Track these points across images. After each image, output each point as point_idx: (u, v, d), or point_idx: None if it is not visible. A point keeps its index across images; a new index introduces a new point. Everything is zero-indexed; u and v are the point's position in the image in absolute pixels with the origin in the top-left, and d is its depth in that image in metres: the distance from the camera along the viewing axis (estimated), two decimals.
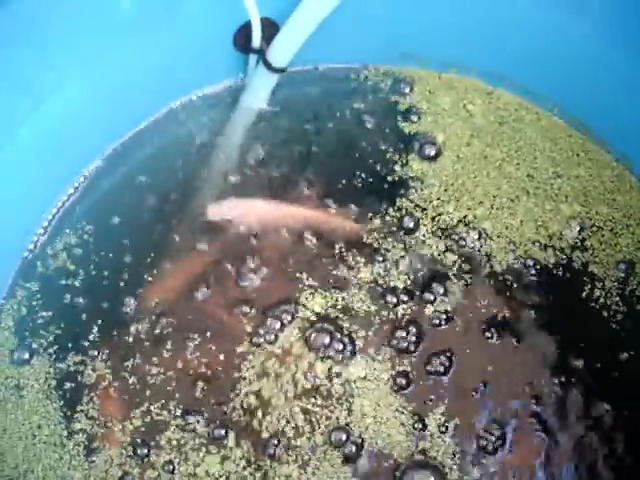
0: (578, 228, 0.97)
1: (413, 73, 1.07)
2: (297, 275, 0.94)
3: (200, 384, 0.88)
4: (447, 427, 0.86)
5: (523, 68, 1.02)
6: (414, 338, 0.90)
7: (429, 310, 0.92)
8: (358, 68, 1.07)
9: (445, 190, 0.99)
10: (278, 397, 0.87)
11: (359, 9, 0.97)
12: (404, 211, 0.97)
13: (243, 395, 0.88)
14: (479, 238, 0.96)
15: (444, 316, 0.92)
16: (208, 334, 0.91)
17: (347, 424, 0.86)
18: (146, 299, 0.93)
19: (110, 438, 0.86)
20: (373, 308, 0.92)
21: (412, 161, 1.01)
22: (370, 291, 0.93)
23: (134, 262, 0.95)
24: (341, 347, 0.89)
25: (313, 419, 0.87)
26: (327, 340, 0.89)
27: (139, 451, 0.85)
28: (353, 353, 0.89)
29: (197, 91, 1.05)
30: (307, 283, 0.93)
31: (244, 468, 0.85)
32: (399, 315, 0.92)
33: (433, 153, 1.01)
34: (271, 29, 0.95)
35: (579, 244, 0.96)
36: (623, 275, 0.95)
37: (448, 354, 0.90)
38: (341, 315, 0.91)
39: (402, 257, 0.95)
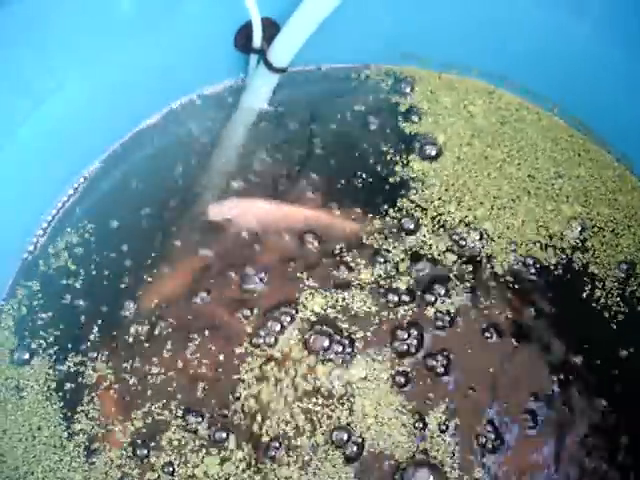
0: (579, 228, 0.97)
1: (414, 73, 1.07)
2: (297, 275, 0.93)
3: (201, 385, 0.88)
4: (447, 426, 0.86)
5: (524, 68, 1.02)
6: (415, 339, 0.90)
7: (430, 311, 0.92)
8: (359, 68, 1.07)
9: (446, 190, 0.99)
10: (279, 399, 0.87)
11: (360, 9, 0.97)
12: (405, 212, 0.97)
13: (243, 398, 0.87)
14: (480, 238, 0.96)
15: (445, 317, 0.92)
16: (208, 335, 0.90)
17: (348, 424, 0.86)
18: (146, 300, 0.93)
19: (110, 439, 0.86)
20: (374, 309, 0.92)
21: (413, 161, 1.01)
22: (371, 292, 0.93)
23: (134, 263, 0.95)
24: (341, 349, 0.89)
25: (314, 418, 0.86)
26: (326, 343, 0.89)
27: (139, 452, 0.85)
28: (353, 354, 0.89)
29: (198, 91, 1.05)
30: (307, 284, 0.93)
31: (243, 471, 0.85)
32: (400, 316, 0.92)
33: (434, 153, 1.01)
34: (272, 29, 0.95)
35: (580, 244, 0.96)
36: (624, 276, 0.95)
37: (448, 354, 0.90)
38: (341, 316, 0.91)
39: (403, 258, 0.95)
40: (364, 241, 0.96)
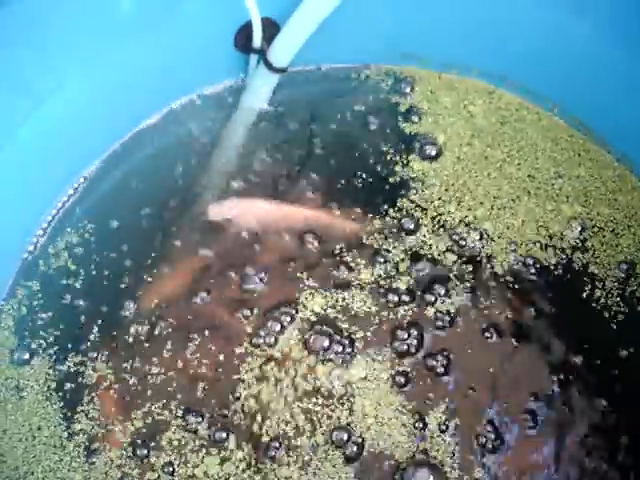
0: (579, 228, 0.97)
1: (414, 73, 1.07)
2: (297, 275, 0.93)
3: (201, 385, 0.88)
4: (447, 426, 0.86)
5: (524, 68, 1.02)
6: (415, 339, 0.90)
7: (430, 311, 0.92)
8: (359, 68, 1.07)
9: (446, 190, 0.99)
10: (279, 399, 0.87)
11: (360, 9, 0.97)
12: (405, 212, 0.97)
13: (243, 398, 0.87)
14: (480, 238, 0.96)
15: (445, 317, 0.91)
16: (208, 335, 0.90)
17: (348, 424, 0.86)
18: (146, 300, 0.93)
19: (110, 439, 0.86)
20: (374, 309, 0.92)
21: (413, 161, 1.01)
22: (371, 292, 0.93)
23: (134, 263, 0.95)
24: (341, 349, 0.89)
25: (314, 418, 0.86)
26: (326, 343, 0.89)
27: (139, 452, 0.85)
28: (353, 354, 0.89)
29: (198, 91, 1.04)
30: (307, 284, 0.93)
31: (243, 471, 0.84)
32: (400, 316, 0.91)
33: (434, 153, 1.01)
34: (272, 29, 0.95)
35: (580, 244, 0.96)
36: (624, 276, 0.95)
37: (448, 354, 0.90)
38: (341, 316, 0.91)
39: (403, 258, 0.95)
40: (364, 241, 0.96)
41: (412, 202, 0.98)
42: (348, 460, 0.85)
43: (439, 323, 0.91)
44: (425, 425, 0.86)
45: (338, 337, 0.90)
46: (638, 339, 0.91)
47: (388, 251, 0.95)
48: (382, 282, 0.93)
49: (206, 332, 0.90)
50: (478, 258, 0.95)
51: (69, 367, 0.89)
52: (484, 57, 1.04)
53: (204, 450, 0.85)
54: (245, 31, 0.96)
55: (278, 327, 0.90)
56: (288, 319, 0.91)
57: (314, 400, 0.87)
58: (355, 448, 0.85)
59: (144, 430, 0.86)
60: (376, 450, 0.85)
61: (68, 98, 0.91)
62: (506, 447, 0.86)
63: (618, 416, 0.88)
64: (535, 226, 0.97)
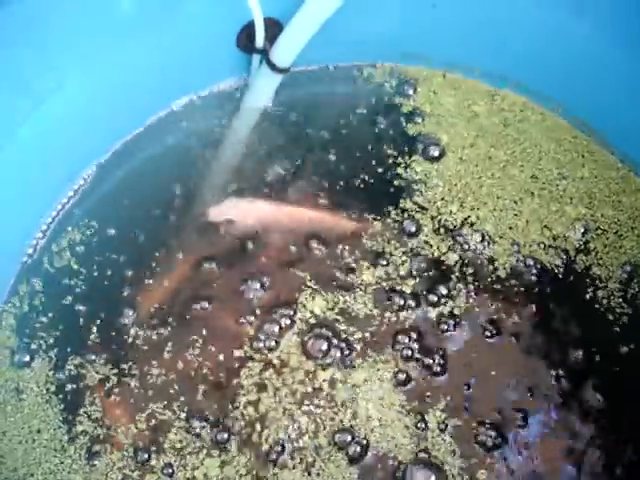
0: (582, 230, 0.97)
1: (417, 74, 1.06)
2: (298, 277, 0.93)
3: (202, 388, 0.88)
4: (448, 426, 0.86)
5: (524, 68, 1.02)
6: (416, 340, 0.90)
7: (431, 312, 0.92)
8: (361, 68, 1.07)
9: (449, 191, 0.99)
10: (280, 402, 0.87)
11: (362, 10, 0.97)
12: (407, 213, 0.97)
13: (245, 401, 0.87)
14: (482, 239, 0.96)
15: (446, 318, 0.91)
16: (208, 337, 0.90)
17: (351, 426, 0.86)
18: (146, 301, 0.92)
19: (112, 441, 0.86)
20: (375, 311, 0.92)
21: (416, 162, 1.00)
22: (373, 294, 0.92)
23: (135, 265, 0.94)
24: (343, 351, 0.89)
25: (317, 420, 0.86)
26: (325, 346, 0.89)
27: (140, 455, 0.85)
28: (355, 356, 0.89)
29: (200, 91, 1.04)
30: (308, 285, 0.93)
31: (245, 474, 0.84)
32: (401, 317, 0.91)
33: (437, 154, 1.01)
34: (274, 29, 0.95)
35: (583, 246, 0.96)
36: (627, 277, 0.95)
37: (449, 354, 0.90)
38: (342, 318, 0.91)
39: (405, 259, 0.94)
40: (366, 242, 0.95)
41: (415, 203, 0.98)
42: (351, 461, 0.85)
43: (441, 325, 0.91)
44: (426, 425, 0.86)
45: (339, 339, 0.90)
46: None
47: (390, 252, 0.95)
48: (384, 283, 0.93)
49: (206, 334, 0.90)
50: (480, 259, 0.95)
51: (70, 369, 0.89)
52: (485, 57, 1.04)
53: (205, 452, 0.85)
54: (248, 31, 0.96)
55: (278, 329, 0.90)
56: (288, 321, 0.90)
57: (316, 402, 0.87)
58: (358, 449, 0.85)
59: (146, 432, 0.86)
60: (379, 451, 0.85)
61: (68, 98, 0.91)
62: (506, 445, 0.86)
63: (618, 416, 0.88)
64: (538, 227, 0.97)
